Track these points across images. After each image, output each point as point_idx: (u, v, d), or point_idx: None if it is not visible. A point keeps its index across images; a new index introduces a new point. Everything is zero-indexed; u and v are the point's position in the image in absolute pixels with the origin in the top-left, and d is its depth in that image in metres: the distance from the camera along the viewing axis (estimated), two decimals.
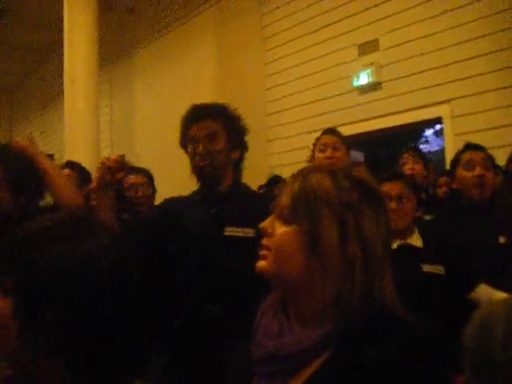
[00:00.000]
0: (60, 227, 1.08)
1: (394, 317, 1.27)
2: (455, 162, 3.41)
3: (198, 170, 2.67)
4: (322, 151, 3.48)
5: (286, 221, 1.34)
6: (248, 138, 2.84)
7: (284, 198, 1.36)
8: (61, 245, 1.03)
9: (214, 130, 2.65)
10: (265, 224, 1.38)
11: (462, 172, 3.32)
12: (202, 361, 2.48)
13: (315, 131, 6.99)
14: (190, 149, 2.70)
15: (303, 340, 1.26)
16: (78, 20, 8.18)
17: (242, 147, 2.80)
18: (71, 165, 4.62)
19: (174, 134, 2.81)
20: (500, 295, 2.65)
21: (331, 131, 3.63)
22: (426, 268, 2.80)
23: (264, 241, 1.36)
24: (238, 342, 1.48)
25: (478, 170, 3.24)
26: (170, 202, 2.89)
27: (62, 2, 8.32)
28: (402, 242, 2.90)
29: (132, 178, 4.23)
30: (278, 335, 1.33)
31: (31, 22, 11.44)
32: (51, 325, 0.99)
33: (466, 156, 3.34)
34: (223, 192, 2.70)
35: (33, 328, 0.99)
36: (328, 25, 7.10)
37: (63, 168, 4.52)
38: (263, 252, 1.36)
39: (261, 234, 1.39)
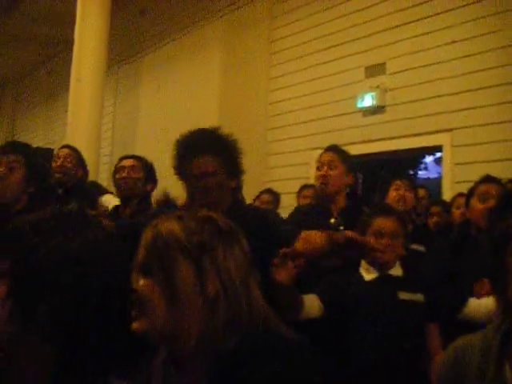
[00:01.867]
0: (57, 219, 1.11)
1: (268, 335, 1.30)
2: (471, 191, 3.43)
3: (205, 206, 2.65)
4: (318, 169, 3.51)
5: (144, 274, 1.34)
6: (247, 152, 2.83)
7: (140, 251, 1.37)
8: (57, 235, 1.06)
9: (215, 169, 2.60)
10: None
11: (475, 203, 3.34)
12: None
13: (315, 149, 7.02)
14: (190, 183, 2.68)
15: None
16: (90, 18, 8.23)
17: (239, 174, 2.78)
18: (71, 147, 4.71)
19: (174, 139, 2.80)
20: (488, 301, 2.67)
21: (331, 149, 3.62)
22: (404, 296, 2.79)
23: (132, 298, 1.33)
24: None
25: (491, 203, 3.26)
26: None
27: None
28: (381, 273, 2.88)
29: (122, 162, 4.21)
30: (161, 383, 1.37)
31: (42, 16, 11.46)
32: (43, 311, 1.00)
33: (482, 188, 3.36)
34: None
35: (24, 313, 1.01)
36: (337, 45, 7.13)
37: (62, 148, 4.61)
38: (133, 312, 1.33)
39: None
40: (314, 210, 3.69)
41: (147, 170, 4.23)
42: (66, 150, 4.58)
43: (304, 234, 2.49)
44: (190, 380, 1.30)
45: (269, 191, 6.30)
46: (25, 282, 1.02)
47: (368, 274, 2.87)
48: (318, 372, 1.27)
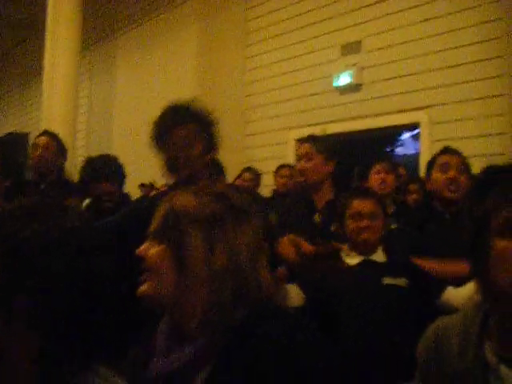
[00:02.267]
0: (35, 207, 1.11)
1: (272, 312, 1.34)
2: (431, 164, 3.44)
3: (184, 177, 2.63)
4: (298, 162, 3.51)
5: (158, 242, 1.40)
6: (224, 132, 2.81)
7: (155, 221, 1.44)
8: (35, 222, 1.06)
9: (195, 135, 2.63)
10: (140, 248, 1.43)
11: (436, 174, 3.35)
12: None
13: (293, 128, 7.03)
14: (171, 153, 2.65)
15: (181, 357, 1.32)
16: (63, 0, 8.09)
17: (215, 150, 2.78)
18: (50, 134, 4.61)
19: (152, 121, 2.77)
20: (464, 291, 2.67)
21: (306, 139, 3.60)
22: (387, 281, 2.77)
23: (142, 265, 1.41)
24: None
25: (451, 173, 3.28)
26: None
27: None
28: (365, 258, 2.86)
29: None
30: (165, 354, 1.38)
31: None
32: (26, 297, 1.00)
33: (442, 159, 3.37)
34: None
35: (12, 302, 1.01)
36: (312, 23, 7.11)
37: (41, 135, 4.54)
38: (142, 276, 1.40)
39: None
40: (297, 202, 3.67)
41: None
42: (44, 139, 4.46)
43: (282, 240, 2.51)
44: (195, 352, 1.32)
45: (249, 169, 6.35)
46: (6, 268, 1.01)
47: (350, 260, 2.83)
48: (321, 351, 1.31)
